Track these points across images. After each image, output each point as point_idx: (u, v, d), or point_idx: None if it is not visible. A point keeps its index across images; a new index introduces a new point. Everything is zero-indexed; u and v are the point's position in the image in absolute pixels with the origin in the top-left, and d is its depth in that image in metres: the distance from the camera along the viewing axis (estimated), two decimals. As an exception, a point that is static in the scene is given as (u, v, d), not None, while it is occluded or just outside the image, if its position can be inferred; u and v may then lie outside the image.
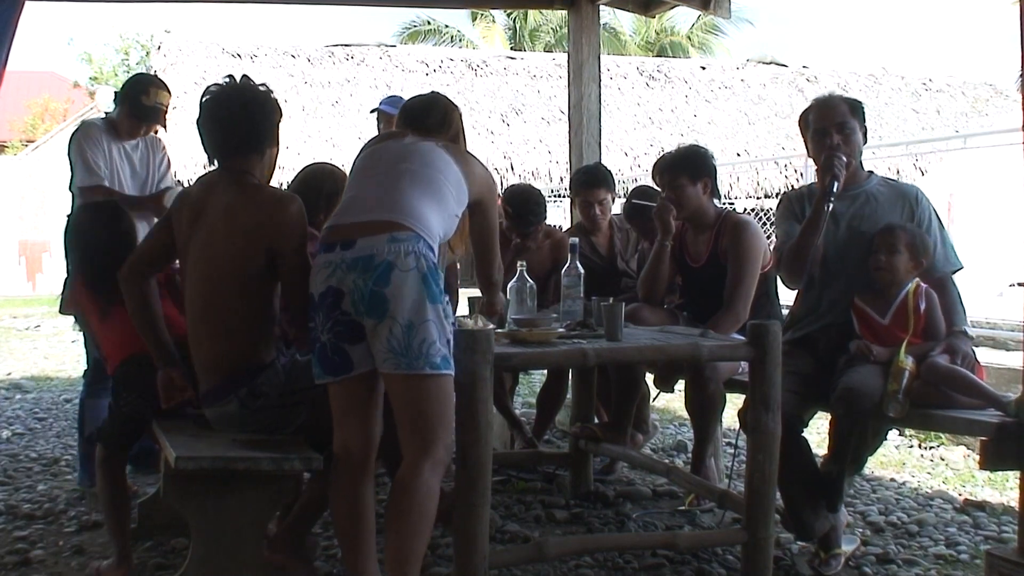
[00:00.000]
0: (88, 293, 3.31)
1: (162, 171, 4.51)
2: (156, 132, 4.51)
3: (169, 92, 4.40)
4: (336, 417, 2.73)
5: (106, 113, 4.50)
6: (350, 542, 2.76)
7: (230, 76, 3.04)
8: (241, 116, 2.95)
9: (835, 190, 3.29)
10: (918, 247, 3.28)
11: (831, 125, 3.39)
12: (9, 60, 4.12)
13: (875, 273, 3.29)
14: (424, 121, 3.05)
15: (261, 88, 3.01)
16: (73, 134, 4.33)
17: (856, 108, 3.46)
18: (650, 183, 4.55)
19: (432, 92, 3.24)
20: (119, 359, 3.20)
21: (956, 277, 3.45)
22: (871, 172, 3.56)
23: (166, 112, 4.35)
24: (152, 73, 4.75)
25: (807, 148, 3.53)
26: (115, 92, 4.46)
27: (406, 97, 3.44)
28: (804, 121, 3.52)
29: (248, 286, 2.88)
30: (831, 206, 3.30)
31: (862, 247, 3.36)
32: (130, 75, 4.63)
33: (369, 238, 2.61)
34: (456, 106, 3.17)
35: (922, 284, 3.29)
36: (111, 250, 3.21)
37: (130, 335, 3.12)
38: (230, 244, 2.87)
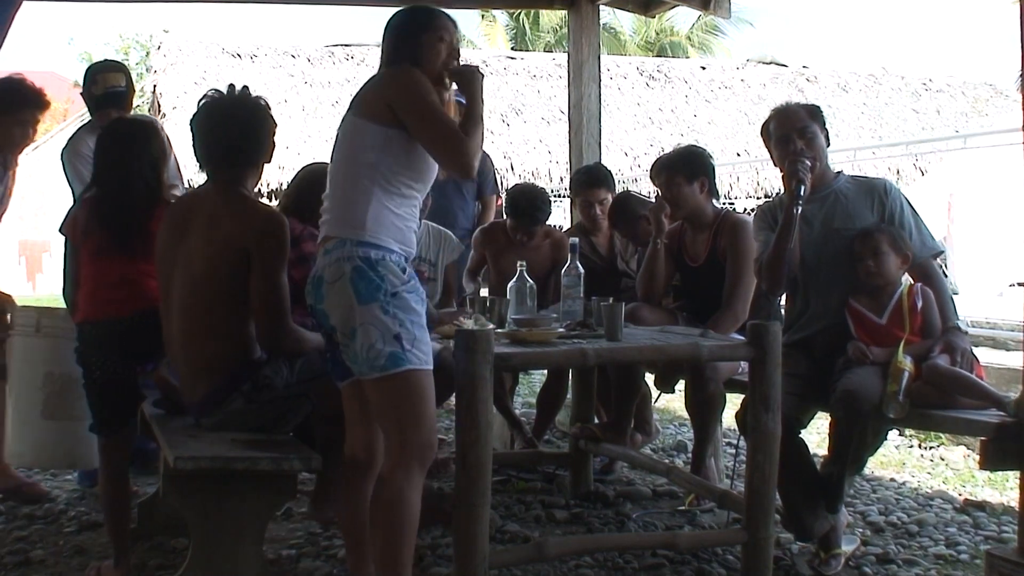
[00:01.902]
0: (105, 220, 3.13)
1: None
2: (159, 109, 4.39)
3: (122, 70, 4.20)
4: (346, 420, 2.76)
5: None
6: (352, 543, 2.77)
7: (231, 86, 3.03)
8: (230, 127, 2.94)
9: (803, 194, 3.30)
10: (900, 244, 3.30)
11: (792, 131, 3.41)
12: (8, 60, 4.10)
13: (867, 279, 3.30)
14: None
15: (255, 100, 3.01)
16: (63, 152, 4.21)
17: (815, 113, 3.49)
18: (648, 184, 4.56)
19: None
20: (100, 315, 3.10)
21: (955, 277, 3.45)
22: (839, 172, 3.59)
23: (124, 92, 4.12)
24: (103, 59, 4.53)
25: (772, 158, 3.54)
26: (80, 94, 4.34)
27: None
28: (766, 132, 3.54)
29: (234, 291, 2.88)
30: (800, 209, 3.31)
31: (839, 245, 3.39)
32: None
33: (319, 258, 2.62)
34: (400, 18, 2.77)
35: (916, 284, 3.31)
36: (148, 173, 3.16)
37: (121, 295, 3.07)
38: (212, 250, 2.88)
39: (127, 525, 3.18)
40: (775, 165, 3.54)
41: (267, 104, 3.05)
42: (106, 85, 4.09)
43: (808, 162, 3.34)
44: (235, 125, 2.95)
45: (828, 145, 3.51)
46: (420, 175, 2.64)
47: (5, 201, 4.10)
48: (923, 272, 3.38)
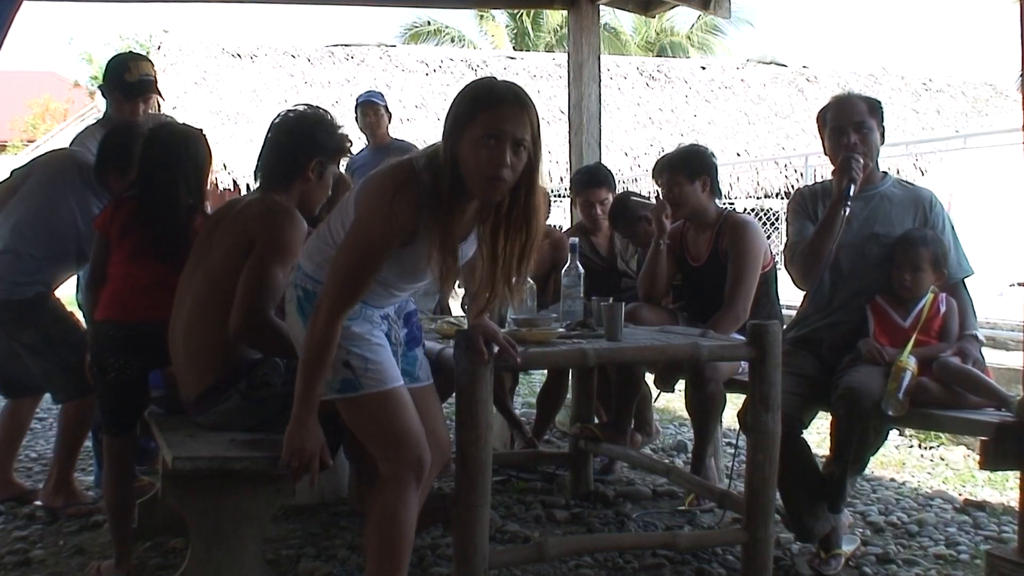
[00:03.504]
0: (146, 224, 3.14)
1: None
2: (159, 108, 4.36)
3: (151, 63, 4.23)
4: None
5: (103, 114, 4.38)
6: None
7: (306, 104, 3.03)
8: (276, 144, 2.99)
9: (851, 194, 3.24)
10: (940, 260, 3.28)
11: (849, 124, 3.35)
12: (7, 60, 4.09)
13: (900, 290, 3.29)
14: None
15: (309, 120, 2.96)
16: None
17: (875, 107, 3.41)
18: (648, 184, 4.56)
19: None
20: (125, 317, 3.10)
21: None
22: (886, 173, 3.53)
23: (156, 81, 4.17)
24: (127, 51, 4.46)
25: (823, 146, 3.47)
26: (99, 87, 4.29)
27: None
28: (822, 119, 3.48)
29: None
30: (848, 210, 3.26)
31: (875, 250, 3.35)
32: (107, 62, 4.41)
33: None
34: None
35: (941, 293, 3.30)
36: (192, 182, 3.18)
37: (149, 301, 3.06)
38: (230, 242, 2.91)
39: (130, 525, 3.18)
40: (825, 154, 3.47)
41: (312, 123, 2.97)
42: (142, 72, 4.09)
43: (861, 160, 3.28)
44: (273, 139, 2.99)
45: (883, 142, 3.44)
46: (400, 278, 2.51)
47: None
48: (953, 291, 3.36)
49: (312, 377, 2.37)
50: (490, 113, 2.28)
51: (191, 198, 3.22)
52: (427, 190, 2.32)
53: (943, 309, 3.26)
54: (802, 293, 3.58)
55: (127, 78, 4.06)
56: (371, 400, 2.44)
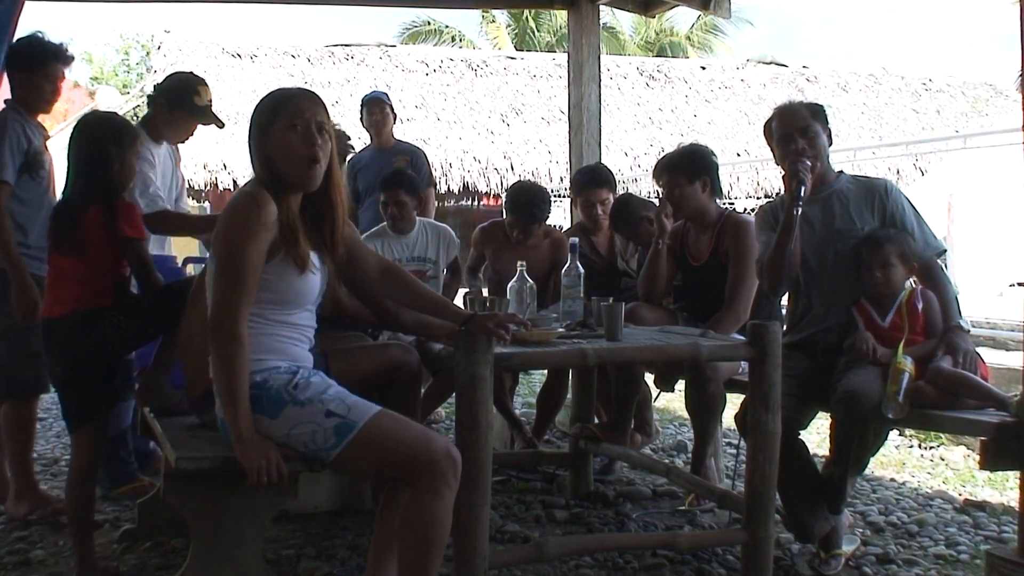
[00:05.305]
0: (61, 217, 3.14)
1: (180, 183, 4.38)
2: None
3: (210, 89, 4.29)
4: None
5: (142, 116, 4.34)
6: (379, 548, 2.71)
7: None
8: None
9: (803, 194, 3.30)
10: (907, 254, 3.31)
11: (794, 130, 3.41)
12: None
13: (873, 288, 3.31)
14: None
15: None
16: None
17: (818, 112, 3.49)
18: (648, 184, 4.57)
19: None
20: (48, 313, 3.12)
21: (955, 277, 3.46)
22: (840, 172, 3.59)
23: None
24: (190, 71, 4.33)
25: (774, 156, 3.54)
26: (149, 96, 4.24)
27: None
28: (768, 130, 3.54)
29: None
30: (800, 210, 3.31)
31: (841, 247, 3.40)
32: (169, 75, 4.40)
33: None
34: None
35: (917, 287, 3.31)
36: (105, 164, 3.11)
37: (48, 297, 3.08)
38: None
39: (91, 529, 3.14)
40: (777, 164, 3.54)
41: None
42: (207, 98, 4.17)
43: (809, 162, 3.34)
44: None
45: (830, 144, 3.51)
46: (285, 302, 2.53)
47: (51, 169, 3.97)
48: (927, 271, 3.38)
49: (239, 395, 2.39)
50: (290, 107, 2.49)
51: (83, 188, 3.12)
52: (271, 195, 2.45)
53: (921, 304, 3.27)
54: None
55: (197, 101, 4.14)
56: (372, 427, 2.43)
